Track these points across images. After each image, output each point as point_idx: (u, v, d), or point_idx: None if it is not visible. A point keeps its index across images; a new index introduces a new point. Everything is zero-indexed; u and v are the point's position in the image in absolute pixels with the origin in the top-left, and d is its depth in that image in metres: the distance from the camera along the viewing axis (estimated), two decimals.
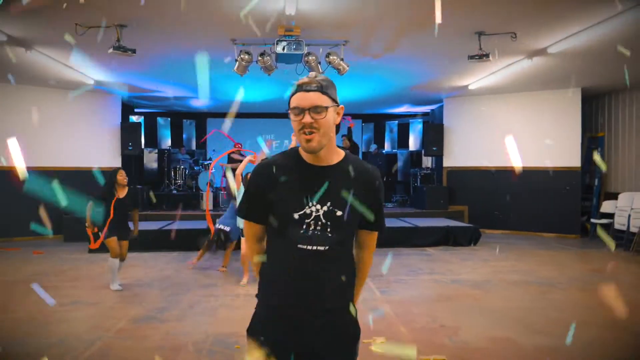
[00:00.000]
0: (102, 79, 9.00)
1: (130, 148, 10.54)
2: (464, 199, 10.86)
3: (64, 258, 7.63)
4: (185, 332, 4.01)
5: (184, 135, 13.65)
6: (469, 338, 3.86)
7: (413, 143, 13.58)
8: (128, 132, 10.69)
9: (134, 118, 12.53)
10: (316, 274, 1.57)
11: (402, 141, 13.85)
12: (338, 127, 1.64)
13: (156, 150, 12.99)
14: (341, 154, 1.66)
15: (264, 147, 5.89)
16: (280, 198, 1.60)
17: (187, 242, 7.96)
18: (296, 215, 1.57)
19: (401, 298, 5.08)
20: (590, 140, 10.68)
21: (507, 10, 5.46)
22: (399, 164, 13.88)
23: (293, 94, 1.58)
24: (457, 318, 4.37)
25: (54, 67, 7.79)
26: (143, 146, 12.20)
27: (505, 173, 10.17)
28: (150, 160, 13.05)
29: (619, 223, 8.53)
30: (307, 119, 1.53)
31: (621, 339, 3.84)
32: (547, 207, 9.87)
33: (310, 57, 6.19)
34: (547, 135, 9.69)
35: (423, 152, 12.40)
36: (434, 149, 11.07)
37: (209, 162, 12.23)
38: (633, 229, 8.05)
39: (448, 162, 11.18)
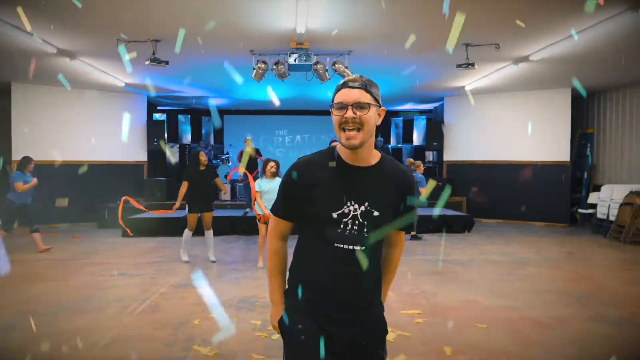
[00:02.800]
0: (132, 82, 9.99)
1: (156, 143, 11.57)
2: (462, 191, 11.70)
3: (101, 241, 8.66)
4: (215, 294, 4.98)
5: (202, 131, 14.65)
6: (443, 300, 4.78)
7: (417, 138, 14.41)
8: (153, 129, 11.72)
9: (157, 115, 13.54)
10: (352, 272, 1.61)
11: (407, 136, 14.71)
12: (378, 129, 1.69)
13: (177, 145, 13.98)
14: (378, 155, 1.69)
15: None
16: (319, 197, 1.62)
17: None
18: (335, 215, 1.60)
19: None
20: (582, 136, 11.43)
21: (490, 25, 6.28)
22: (404, 158, 14.74)
23: (337, 91, 1.61)
24: (437, 287, 5.29)
25: (92, 73, 8.80)
26: (166, 141, 13.19)
27: (499, 167, 11.02)
28: (172, 153, 14.04)
29: (601, 212, 9.34)
30: (350, 113, 1.54)
31: (566, 301, 4.71)
32: (538, 198, 10.69)
33: (318, 66, 7.10)
34: (538, 131, 10.50)
35: (425, 146, 13.25)
36: (435, 144, 11.94)
37: (226, 156, 13.21)
38: (612, 218, 8.85)
39: (448, 156, 12.02)
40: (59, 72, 8.47)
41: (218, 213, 9.73)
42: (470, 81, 9.88)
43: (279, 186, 1.74)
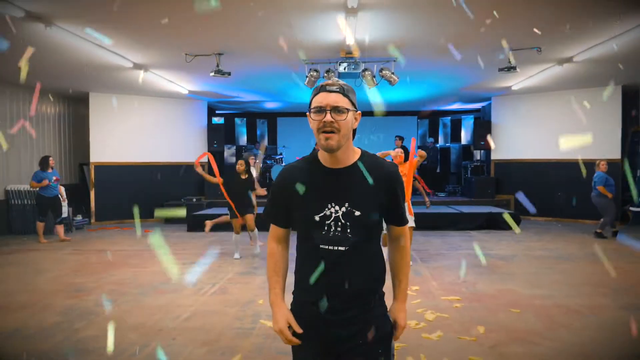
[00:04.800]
0: (194, 89, 10.87)
1: (215, 145, 12.47)
2: (510, 189, 11.84)
3: (169, 235, 9.54)
4: None
5: (257, 133, 15.48)
6: (482, 288, 5.18)
7: (464, 137, 14.61)
8: (213, 132, 12.64)
9: (215, 119, 14.48)
10: (338, 273, 1.63)
11: (455, 136, 14.93)
12: (355, 131, 1.68)
13: (234, 147, 14.88)
14: (357, 153, 1.70)
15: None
16: (302, 201, 1.67)
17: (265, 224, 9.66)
18: (317, 217, 1.64)
19: (438, 265, 6.43)
20: (634, 134, 11.29)
21: (530, 29, 6.55)
22: (452, 157, 14.97)
23: (315, 95, 1.63)
24: (477, 277, 5.69)
25: (160, 82, 9.72)
26: (224, 142, 14.11)
27: (548, 165, 11.10)
28: (229, 155, 14.96)
29: None
30: (328, 117, 1.56)
31: (601, 292, 4.98)
32: (589, 196, 10.66)
33: (366, 72, 7.60)
34: (588, 129, 10.51)
35: (472, 145, 13.45)
36: (482, 143, 12.14)
37: (279, 156, 13.95)
38: None
39: (496, 155, 12.19)
40: (134, 83, 9.45)
41: None
42: (517, 81, 10.05)
43: (269, 192, 1.82)
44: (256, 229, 7.32)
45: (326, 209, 1.63)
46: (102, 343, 3.70)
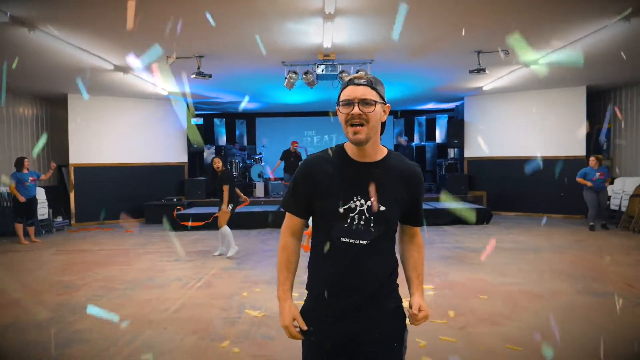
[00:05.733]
0: (174, 90, 11.00)
1: (195, 146, 12.60)
2: (482, 185, 12.32)
3: (150, 234, 9.68)
4: (257, 274, 5.87)
5: (236, 133, 15.65)
6: (453, 278, 5.54)
7: (439, 136, 15.06)
8: (192, 132, 12.76)
9: (194, 120, 14.59)
10: (357, 266, 1.62)
11: (430, 134, 15.38)
12: (384, 125, 1.68)
13: (214, 147, 15.02)
14: (384, 150, 1.71)
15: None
16: (327, 192, 1.65)
17: (246, 222, 9.90)
18: (341, 210, 1.62)
19: None
20: (599, 131, 11.87)
21: (499, 33, 6.93)
22: (427, 155, 15.41)
23: (343, 88, 1.63)
24: (449, 268, 6.04)
25: (141, 84, 9.84)
26: (203, 144, 14.24)
27: (518, 162, 11.59)
28: (209, 155, 15.09)
29: (614, 204, 9.84)
30: (356, 110, 1.57)
31: (562, 279, 5.38)
32: (556, 191, 11.21)
33: (343, 74, 7.89)
34: (555, 128, 11.06)
35: (447, 144, 13.90)
36: (455, 141, 12.60)
37: (259, 156, 14.16)
38: (624, 209, 9.36)
39: (468, 153, 12.65)
40: (114, 84, 9.56)
41: (254, 208, 10.67)
42: (488, 82, 10.49)
43: (290, 182, 1.76)
44: (224, 229, 7.02)
45: (351, 202, 1.63)
46: (96, 334, 3.90)
